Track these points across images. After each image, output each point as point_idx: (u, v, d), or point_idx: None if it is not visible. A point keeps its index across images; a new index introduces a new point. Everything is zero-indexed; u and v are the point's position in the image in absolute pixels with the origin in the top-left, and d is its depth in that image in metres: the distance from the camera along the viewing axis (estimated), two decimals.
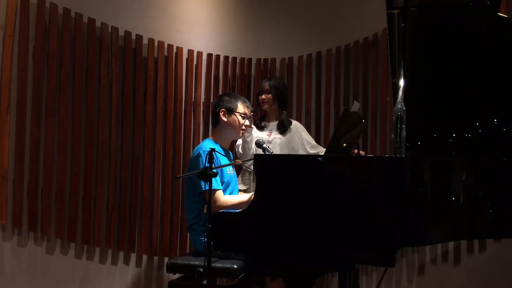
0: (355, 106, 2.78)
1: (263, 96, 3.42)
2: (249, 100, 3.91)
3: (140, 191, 3.45)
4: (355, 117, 2.94)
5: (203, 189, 2.67)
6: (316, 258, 1.94)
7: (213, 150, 2.40)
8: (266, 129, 3.46)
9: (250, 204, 2.07)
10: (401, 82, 2.26)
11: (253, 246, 2.03)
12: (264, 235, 1.99)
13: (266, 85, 3.43)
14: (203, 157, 2.74)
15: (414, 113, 2.93)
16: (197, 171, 2.37)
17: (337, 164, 1.99)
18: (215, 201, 2.66)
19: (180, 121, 3.66)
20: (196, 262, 2.68)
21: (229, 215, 2.13)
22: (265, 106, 3.43)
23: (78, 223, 3.16)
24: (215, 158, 2.73)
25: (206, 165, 2.33)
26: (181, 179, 3.49)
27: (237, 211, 2.11)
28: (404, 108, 2.12)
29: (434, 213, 2.05)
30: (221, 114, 2.90)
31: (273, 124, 3.46)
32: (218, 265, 2.61)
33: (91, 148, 3.21)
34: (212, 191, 2.63)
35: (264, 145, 3.00)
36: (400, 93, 2.19)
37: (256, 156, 2.10)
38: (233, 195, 2.87)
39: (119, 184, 3.34)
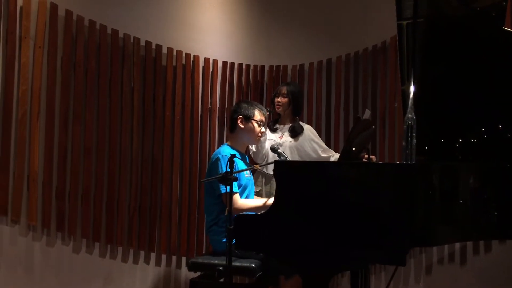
0: (366, 114, 2.91)
1: (279, 99, 3.50)
2: (263, 105, 3.90)
3: (160, 193, 3.59)
4: (366, 123, 3.06)
5: (222, 192, 2.80)
6: (333, 258, 2.08)
7: (233, 156, 2.53)
8: (279, 131, 3.56)
9: (270, 207, 2.22)
10: (411, 90, 2.39)
11: (273, 246, 2.17)
12: (284, 236, 2.13)
13: (284, 89, 3.51)
14: (222, 161, 2.86)
15: (422, 119, 3.05)
16: (219, 175, 2.50)
17: (353, 170, 2.14)
18: (232, 204, 2.77)
19: (197, 126, 3.78)
20: (216, 261, 2.81)
21: (251, 218, 2.28)
22: (279, 109, 3.51)
23: (102, 223, 3.32)
24: (235, 163, 2.87)
25: (227, 170, 2.47)
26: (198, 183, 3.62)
27: (259, 213, 2.25)
28: (414, 118, 2.26)
29: (442, 215, 2.19)
30: (238, 120, 2.99)
31: (286, 128, 3.55)
32: (237, 264, 2.74)
33: (114, 152, 3.36)
34: (228, 193, 2.77)
35: (279, 150, 3.11)
36: (410, 102, 2.32)
37: (276, 162, 2.24)
38: (249, 198, 3.00)
39: (140, 187, 3.49)
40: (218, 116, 3.92)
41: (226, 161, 2.76)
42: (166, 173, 3.61)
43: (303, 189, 2.13)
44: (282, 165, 2.26)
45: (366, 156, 3.01)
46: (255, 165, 2.90)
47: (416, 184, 2.09)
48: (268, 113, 3.40)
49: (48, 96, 3.08)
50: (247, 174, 3.06)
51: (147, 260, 3.55)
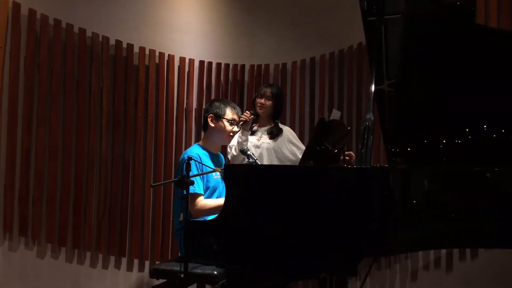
0: (335, 114, 2.79)
1: (262, 101, 3.40)
2: (243, 106, 3.97)
3: (131, 196, 3.49)
4: (338, 124, 2.94)
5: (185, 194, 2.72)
6: (280, 267, 1.96)
7: (190, 158, 2.43)
8: (257, 133, 3.47)
9: (220, 212, 2.11)
10: (372, 90, 2.26)
11: (221, 257, 2.06)
12: (231, 245, 2.03)
13: (268, 91, 3.41)
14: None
15: (404, 119, 2.95)
16: (174, 179, 2.41)
17: (301, 174, 2.02)
18: (194, 205, 2.70)
19: (172, 128, 3.68)
20: (178, 268, 2.68)
21: (200, 224, 2.18)
22: (262, 110, 3.42)
23: (68, 227, 3.23)
24: (196, 166, 2.77)
25: (183, 174, 2.37)
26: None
27: (208, 219, 2.15)
28: (372, 119, 2.13)
29: (402, 221, 2.06)
30: (209, 119, 2.92)
31: (264, 129, 3.46)
32: (199, 271, 2.60)
33: (82, 154, 3.28)
34: (193, 195, 2.69)
35: (248, 152, 3.01)
36: (370, 102, 2.20)
37: (226, 166, 2.14)
38: (212, 199, 2.90)
39: (109, 189, 3.40)
40: (195, 117, 3.83)
41: (194, 162, 2.66)
42: (138, 175, 3.52)
43: (250, 195, 2.03)
44: (231, 169, 2.15)
45: (342, 157, 2.88)
46: (215, 167, 2.79)
47: (369, 189, 1.96)
48: (252, 116, 3.31)
49: (10, 97, 3.01)
50: (216, 175, 2.96)
51: (117, 265, 3.47)
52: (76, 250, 3.28)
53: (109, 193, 3.41)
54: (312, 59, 3.99)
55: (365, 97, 3.83)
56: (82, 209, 3.29)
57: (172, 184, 3.53)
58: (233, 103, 3.01)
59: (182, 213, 2.46)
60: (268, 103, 3.40)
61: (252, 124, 3.49)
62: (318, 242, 1.90)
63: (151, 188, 3.58)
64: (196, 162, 2.78)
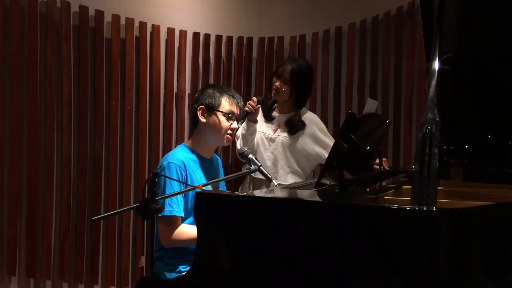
0: (371, 105, 2.04)
1: (278, 84, 2.75)
2: (250, 90, 3.48)
3: (105, 207, 2.97)
4: (375, 118, 2.42)
5: (163, 214, 2.06)
6: None
7: (156, 175, 1.74)
8: (274, 121, 2.84)
9: (188, 271, 1.37)
10: (435, 70, 1.46)
11: None
12: None
13: (287, 70, 2.73)
14: (167, 172, 2.13)
15: (461, 108, 2.50)
16: (130, 207, 1.71)
17: (315, 214, 1.22)
18: (168, 231, 2.10)
19: (157, 119, 3.16)
20: None
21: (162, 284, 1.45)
22: (276, 96, 2.80)
23: (20, 251, 2.74)
24: (188, 176, 2.13)
25: (145, 197, 1.71)
26: None
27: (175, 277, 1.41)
28: (437, 119, 1.28)
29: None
30: (199, 112, 2.30)
31: (283, 118, 2.83)
32: None
33: (36, 156, 2.77)
34: (167, 218, 2.08)
35: (250, 156, 2.27)
36: (431, 91, 1.37)
37: (197, 194, 1.37)
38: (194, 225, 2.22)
39: (75, 200, 2.88)
40: (188, 105, 3.28)
41: (175, 171, 2.12)
42: (113, 181, 2.98)
43: (235, 246, 1.25)
44: (204, 199, 1.38)
45: (377, 162, 2.32)
46: (196, 185, 2.05)
47: (438, 249, 1.13)
48: (259, 106, 2.72)
49: None
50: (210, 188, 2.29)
51: None
52: (31, 279, 2.76)
53: (75, 204, 2.89)
54: (338, 29, 3.51)
55: (405, 77, 3.36)
56: (38, 227, 2.78)
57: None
58: (232, 91, 2.37)
59: (142, 257, 1.76)
60: (285, 88, 2.75)
61: (272, 106, 2.87)
62: None
63: (131, 198, 2.98)
64: (179, 174, 2.13)
